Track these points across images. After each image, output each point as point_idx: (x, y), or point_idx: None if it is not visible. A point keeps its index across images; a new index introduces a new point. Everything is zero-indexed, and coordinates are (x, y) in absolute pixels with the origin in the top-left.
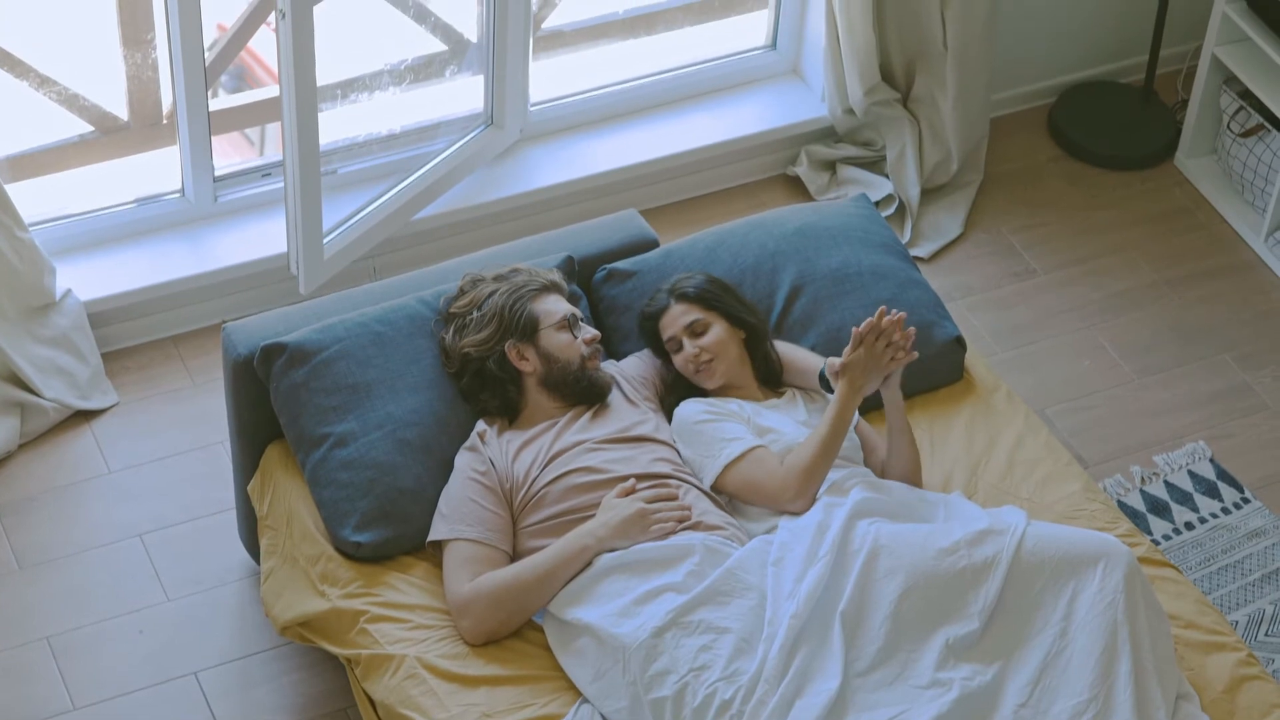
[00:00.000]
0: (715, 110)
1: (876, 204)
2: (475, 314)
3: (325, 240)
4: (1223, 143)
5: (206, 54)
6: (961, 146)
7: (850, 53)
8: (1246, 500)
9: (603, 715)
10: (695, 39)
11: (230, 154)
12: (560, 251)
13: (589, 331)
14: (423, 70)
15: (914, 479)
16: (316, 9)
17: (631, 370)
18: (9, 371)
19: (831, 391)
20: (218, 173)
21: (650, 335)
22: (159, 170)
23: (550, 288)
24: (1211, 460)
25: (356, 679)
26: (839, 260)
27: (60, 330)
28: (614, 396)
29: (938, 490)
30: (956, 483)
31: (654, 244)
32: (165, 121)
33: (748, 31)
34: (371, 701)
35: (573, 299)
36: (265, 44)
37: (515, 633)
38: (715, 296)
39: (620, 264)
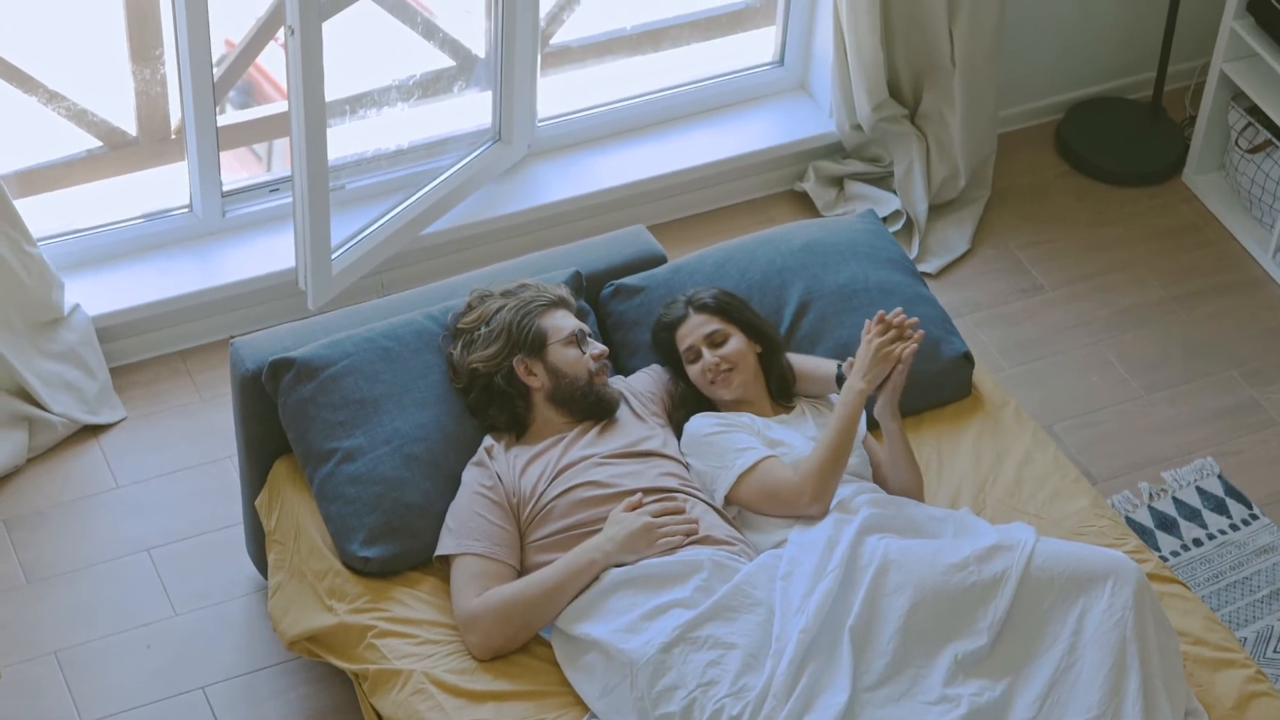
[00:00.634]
0: (723, 126)
1: (884, 220)
2: (483, 329)
3: (333, 256)
4: (1230, 159)
5: (215, 70)
6: (969, 162)
7: (858, 69)
8: (1255, 517)
9: None
10: (703, 55)
11: (238, 169)
12: (568, 267)
13: (596, 347)
14: (431, 86)
15: (915, 498)
16: (325, 25)
17: (639, 385)
18: (17, 386)
19: None
20: (226, 188)
21: (665, 345)
22: (167, 185)
23: (558, 303)
24: (1219, 476)
25: (364, 694)
26: (846, 276)
27: (68, 345)
28: (622, 411)
29: (946, 506)
30: (965, 498)
31: (662, 260)
32: (174, 137)
33: (755, 47)
34: (379, 716)
35: (581, 314)
36: (273, 60)
37: (523, 648)
38: (734, 308)
39: (628, 279)
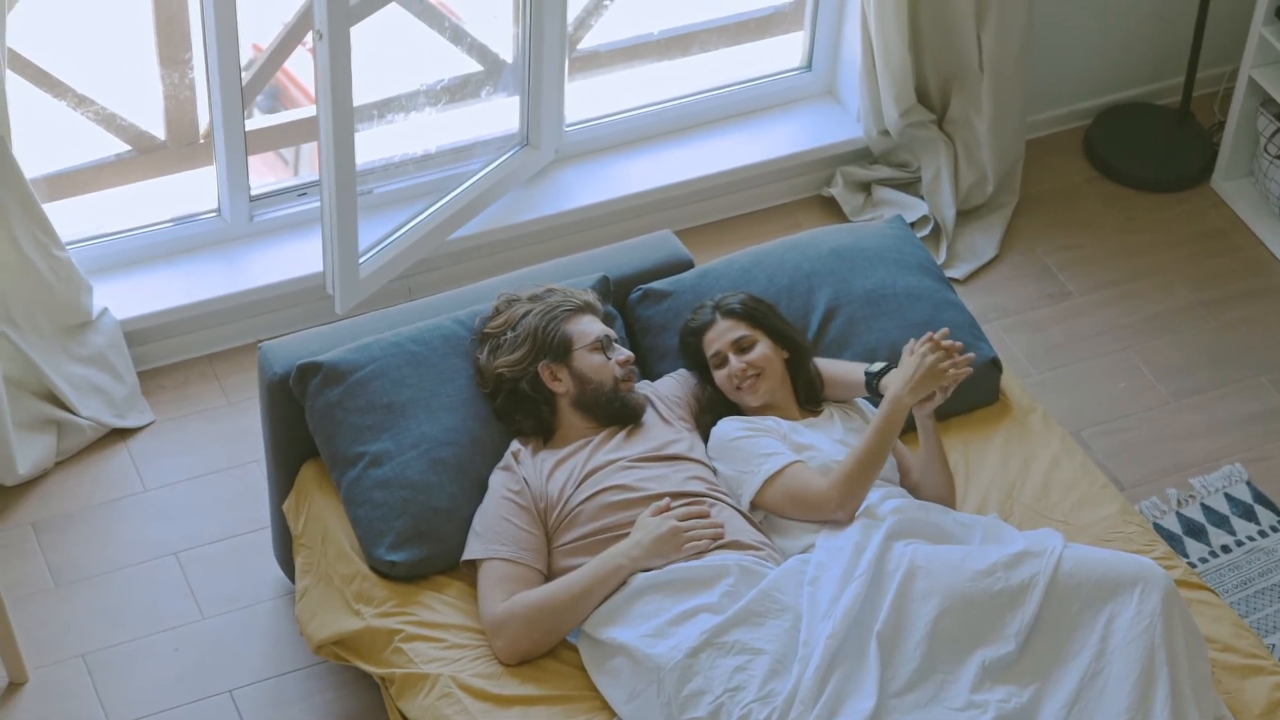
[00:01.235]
0: (751, 131)
1: (912, 225)
2: (510, 334)
3: (361, 260)
4: (1259, 165)
5: (243, 74)
6: (997, 168)
7: (886, 74)
8: None
9: None
10: (730, 60)
11: (265, 174)
12: (595, 272)
13: (623, 353)
14: (459, 91)
15: (947, 504)
16: (353, 29)
17: (666, 390)
18: (46, 390)
19: (878, 396)
20: (254, 192)
21: (692, 350)
22: (195, 189)
23: (585, 308)
24: (1248, 483)
25: (391, 698)
26: (874, 282)
27: (97, 349)
28: (648, 416)
29: (973, 512)
30: (992, 504)
31: (689, 264)
32: (202, 141)
33: (783, 53)
34: None
35: (608, 319)
36: (300, 64)
37: (549, 652)
38: (761, 314)
39: (655, 284)
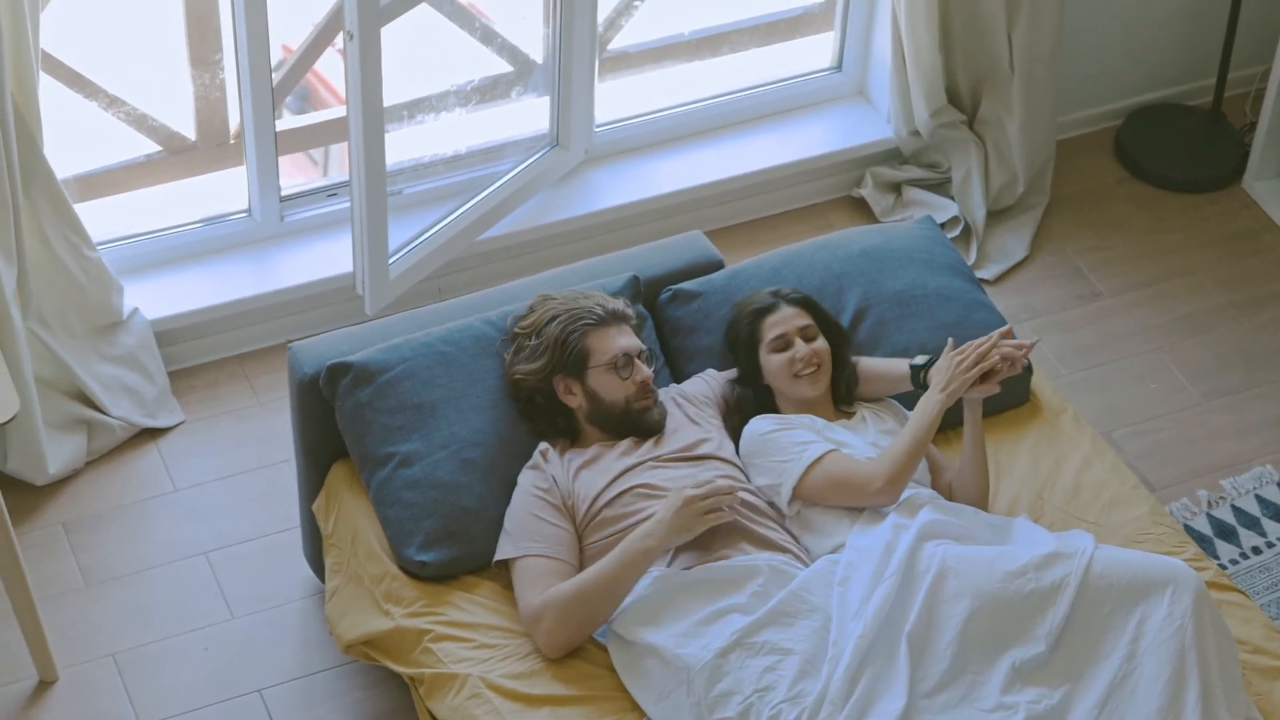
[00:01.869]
0: (780, 132)
1: (942, 226)
2: (532, 341)
3: (391, 261)
4: None
5: (273, 75)
6: (1027, 169)
7: (916, 74)
8: None
9: None
10: (761, 60)
11: (295, 174)
12: (625, 272)
13: (641, 373)
14: (489, 91)
15: (981, 503)
16: (384, 30)
17: (694, 390)
18: (76, 390)
19: (924, 386)
20: (284, 193)
21: (747, 332)
22: (226, 190)
23: (612, 319)
24: (1279, 485)
25: (420, 698)
26: (905, 282)
27: (127, 349)
28: (676, 417)
29: (1004, 513)
30: (1023, 505)
31: (719, 265)
32: (232, 142)
33: (813, 53)
34: None
35: (639, 321)
36: (330, 65)
37: (579, 653)
38: (820, 310)
39: (685, 285)
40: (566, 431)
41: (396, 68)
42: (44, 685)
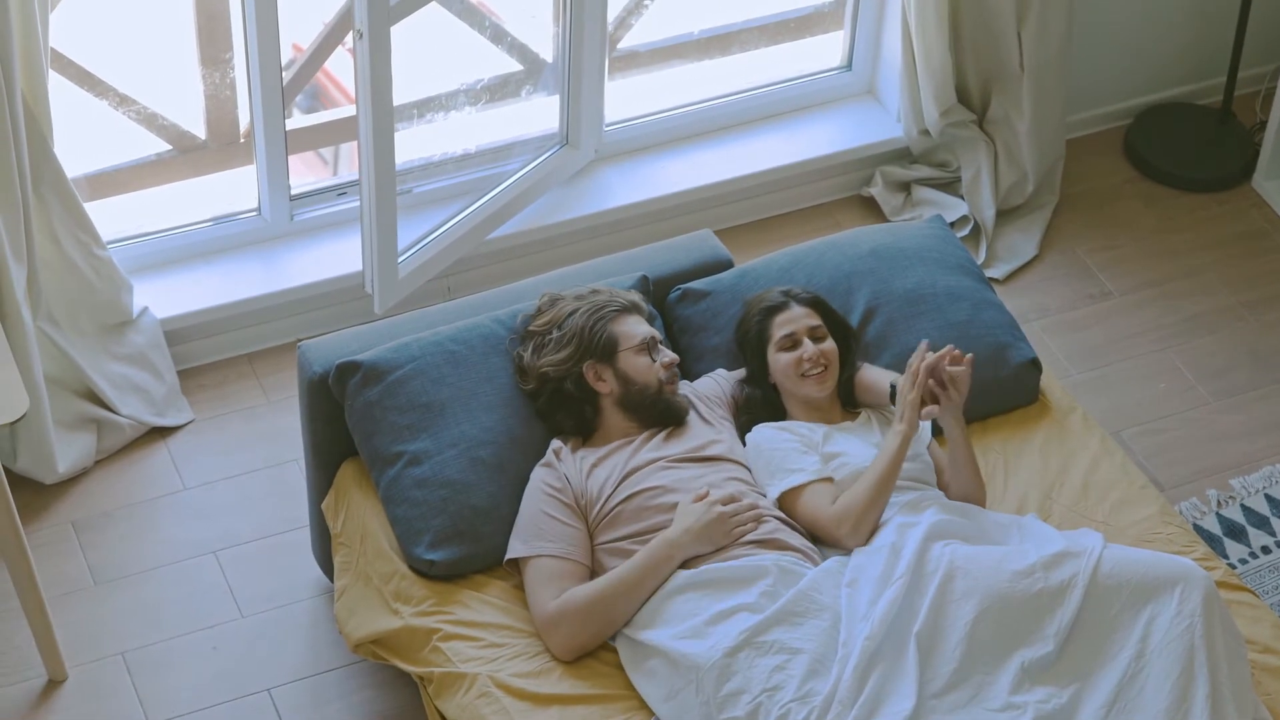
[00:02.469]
0: (790, 131)
1: (951, 225)
2: (555, 333)
3: (400, 259)
4: None
5: (283, 74)
6: (1037, 168)
7: (926, 74)
8: None
9: None
10: (770, 60)
11: (305, 173)
12: (634, 271)
13: (667, 355)
14: (498, 90)
15: (976, 504)
16: (394, 29)
17: (706, 389)
18: (86, 388)
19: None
20: (294, 191)
21: (756, 329)
22: (235, 189)
23: (630, 309)
24: None
25: (429, 697)
26: (914, 281)
27: (137, 348)
28: (690, 416)
29: (1012, 513)
30: (1031, 505)
31: (729, 264)
32: (242, 140)
33: (823, 52)
34: (444, 719)
35: (650, 319)
36: (340, 64)
37: (588, 652)
38: (831, 311)
39: (695, 284)
40: (587, 425)
41: (406, 67)
42: (53, 684)
